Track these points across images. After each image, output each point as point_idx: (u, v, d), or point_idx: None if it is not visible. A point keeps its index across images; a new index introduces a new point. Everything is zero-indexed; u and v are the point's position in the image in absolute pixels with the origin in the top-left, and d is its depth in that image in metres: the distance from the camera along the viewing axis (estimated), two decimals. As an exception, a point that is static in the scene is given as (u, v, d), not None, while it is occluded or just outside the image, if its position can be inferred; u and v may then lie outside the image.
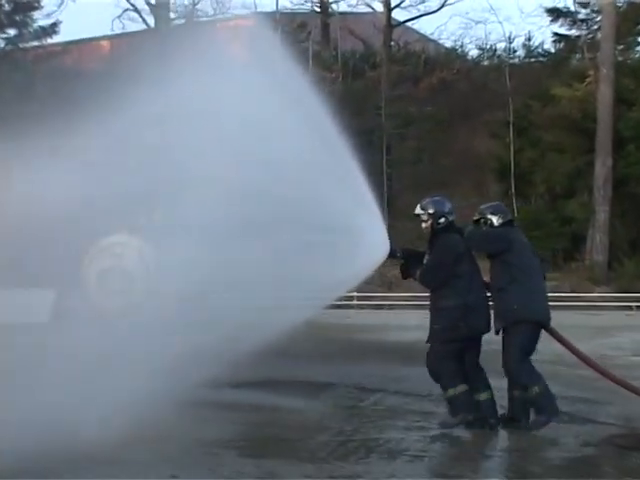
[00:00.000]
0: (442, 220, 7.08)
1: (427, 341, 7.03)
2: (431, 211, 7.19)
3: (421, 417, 7.72)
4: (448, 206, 7.20)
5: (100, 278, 13.23)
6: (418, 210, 7.24)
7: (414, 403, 8.36)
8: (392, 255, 7.16)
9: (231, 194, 6.13)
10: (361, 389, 9.07)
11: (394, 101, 31.60)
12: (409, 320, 17.18)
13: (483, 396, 7.01)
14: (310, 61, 32.01)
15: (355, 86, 32.85)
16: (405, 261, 7.24)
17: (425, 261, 7.05)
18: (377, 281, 28.77)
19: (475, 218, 7.36)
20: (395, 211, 31.53)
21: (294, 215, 6.51)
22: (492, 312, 7.04)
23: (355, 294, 21.34)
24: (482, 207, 7.52)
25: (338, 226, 6.90)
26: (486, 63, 38.01)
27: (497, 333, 7.11)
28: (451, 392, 6.93)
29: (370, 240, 6.96)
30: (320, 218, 6.77)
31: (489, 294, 7.21)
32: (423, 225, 7.21)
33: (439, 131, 32.48)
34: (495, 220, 7.28)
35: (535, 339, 7.11)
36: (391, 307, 22.26)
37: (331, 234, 6.89)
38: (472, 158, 32.85)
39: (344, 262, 6.93)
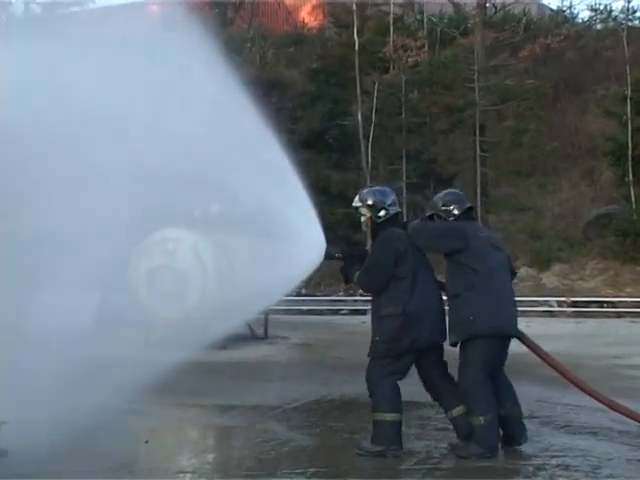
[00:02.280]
0: (382, 213, 6.83)
1: (368, 354, 6.89)
2: (370, 202, 7.07)
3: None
4: (391, 197, 7.02)
5: (149, 279, 13.44)
6: (356, 202, 7.04)
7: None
8: (329, 256, 7.07)
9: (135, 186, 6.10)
10: (413, 403, 8.97)
11: (489, 73, 31.18)
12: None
13: (456, 411, 6.84)
14: (391, 27, 31.91)
15: (443, 56, 32.57)
16: (345, 262, 7.09)
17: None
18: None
19: (427, 214, 7.07)
20: (490, 202, 31.22)
21: (218, 213, 6.48)
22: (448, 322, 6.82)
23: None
24: (434, 198, 7.28)
25: (266, 225, 6.85)
26: (599, 27, 37.15)
27: (453, 346, 6.90)
28: (378, 416, 6.78)
29: (303, 239, 6.82)
30: (246, 216, 6.71)
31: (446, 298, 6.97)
32: (362, 219, 7.03)
33: (543, 108, 31.91)
34: (451, 211, 7.07)
35: (497, 355, 6.88)
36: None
37: (259, 234, 6.86)
38: (582, 140, 32.17)
39: (273, 265, 6.84)
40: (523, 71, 33.03)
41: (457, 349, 6.93)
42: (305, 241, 6.90)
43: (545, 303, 22.65)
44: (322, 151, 33.63)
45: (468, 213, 7.09)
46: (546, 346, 7.33)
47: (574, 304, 22.65)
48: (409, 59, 31.56)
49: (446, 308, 6.91)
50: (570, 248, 27.90)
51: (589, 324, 19.30)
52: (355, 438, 7.51)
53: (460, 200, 7.20)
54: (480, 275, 6.68)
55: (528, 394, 9.31)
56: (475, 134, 30.75)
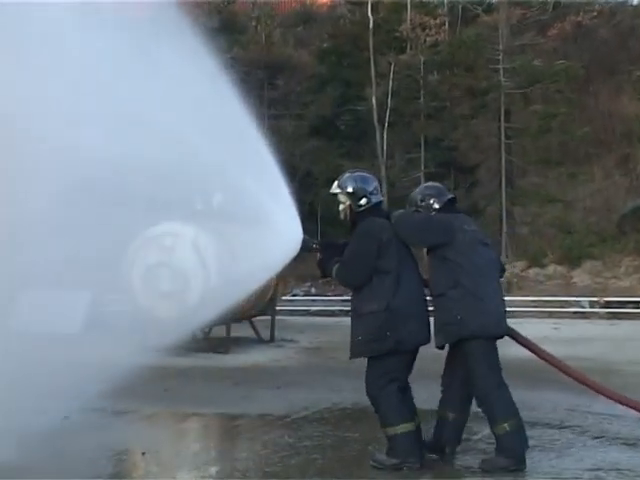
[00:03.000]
0: (363, 201, 6.81)
1: (350, 357, 6.86)
2: (350, 190, 7.02)
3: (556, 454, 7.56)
4: (373, 184, 6.97)
5: (146, 277, 13.45)
6: (334, 188, 6.99)
7: (542, 435, 8.17)
8: (306, 247, 7.01)
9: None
10: (475, 416, 8.98)
11: (515, 53, 31.09)
12: (533, 331, 16.95)
13: (405, 427, 6.83)
14: (408, 4, 31.84)
15: (465, 35, 32.48)
16: (323, 254, 7.03)
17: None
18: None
19: (411, 211, 7.04)
20: (516, 193, 31.14)
21: (185, 198, 6.49)
22: (434, 323, 6.77)
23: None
24: (412, 194, 7.27)
25: (239, 212, 6.84)
26: (635, 2, 37.00)
27: (440, 348, 6.87)
28: (390, 430, 6.75)
29: (278, 229, 6.78)
30: (218, 203, 6.70)
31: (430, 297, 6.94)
32: (340, 207, 7.00)
33: (573, 91, 31.79)
34: (431, 205, 7.04)
35: (494, 355, 6.86)
36: (511, 314, 21.91)
37: (230, 221, 6.85)
38: (616, 124, 32.04)
39: (246, 255, 6.85)
40: (552, 51, 32.92)
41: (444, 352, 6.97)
42: (279, 231, 6.87)
43: (576, 303, 22.57)
44: (333, 138, 33.61)
45: (451, 206, 7.09)
46: (577, 350, 7.33)
47: (607, 304, 22.54)
48: (428, 38, 31.51)
49: (430, 308, 6.90)
50: (603, 243, 27.80)
51: (623, 326, 19.23)
52: (369, 449, 7.50)
53: (440, 193, 7.22)
54: (467, 272, 6.67)
55: (557, 401, 9.30)
56: (500, 119, 30.66)
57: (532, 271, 27.60)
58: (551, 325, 18.37)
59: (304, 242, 6.98)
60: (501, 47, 30.24)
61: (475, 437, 8.14)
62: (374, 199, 6.94)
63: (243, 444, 8.37)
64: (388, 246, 6.66)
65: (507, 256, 28.47)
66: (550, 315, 20.68)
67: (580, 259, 27.30)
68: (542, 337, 16.20)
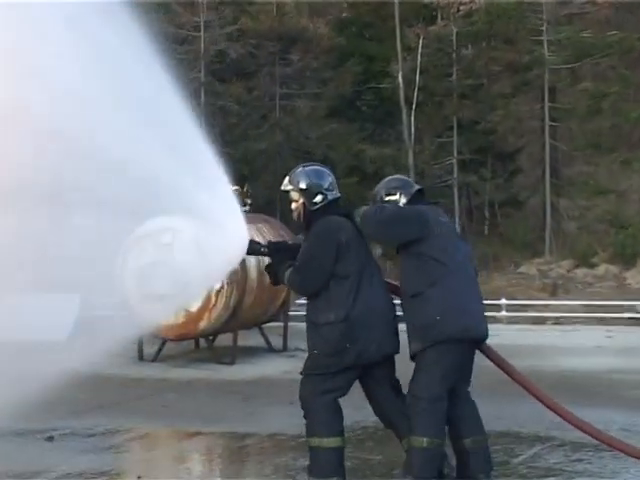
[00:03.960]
0: (318, 198, 6.74)
1: (301, 371, 6.84)
2: (303, 186, 6.95)
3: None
4: (328, 180, 6.96)
5: (140, 278, 13.45)
6: (285, 185, 6.98)
7: (591, 459, 8.13)
8: (253, 251, 7.04)
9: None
10: (515, 436, 8.95)
11: (561, 24, 31.00)
12: (582, 340, 16.85)
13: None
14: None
15: (504, 3, 32.38)
16: (272, 259, 7.03)
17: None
18: (535, 283, 28.48)
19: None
20: (562, 183, 31.08)
21: (116, 193, 6.50)
22: (405, 328, 6.73)
23: (504, 302, 21.07)
24: (375, 189, 7.26)
25: (174, 209, 6.83)
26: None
27: (412, 358, 6.77)
28: (314, 442, 6.70)
29: (220, 230, 6.75)
30: (148, 196, 6.67)
31: (398, 302, 6.89)
32: (293, 206, 6.98)
33: (628, 66, 31.67)
34: (397, 200, 7.03)
35: (465, 364, 6.80)
36: (557, 321, 21.85)
37: (161, 218, 6.84)
38: (677, 105, 31.84)
39: (181, 258, 6.83)
40: (604, 20, 32.79)
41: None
42: (222, 233, 6.85)
43: (630, 308, 22.47)
44: (354, 120, 33.60)
45: (420, 198, 7.10)
46: (632, 362, 7.24)
47: (666, 309, 22.45)
48: (461, 7, 31.46)
49: (399, 314, 6.89)
50: (661, 240, 27.71)
51: (685, 334, 19.11)
52: (394, 473, 7.49)
53: (405, 185, 7.20)
54: (446, 267, 6.66)
55: (610, 420, 9.24)
56: (543, 99, 30.59)
57: (580, 271, 27.56)
58: (603, 333, 18.24)
59: (251, 246, 6.98)
60: (545, 16, 30.17)
61: (515, 460, 8.12)
62: (330, 196, 6.92)
63: (251, 467, 8.35)
64: (347, 248, 6.64)
65: (551, 254, 28.40)
66: (601, 321, 20.54)
67: (635, 257, 27.23)
68: (594, 347, 16.19)
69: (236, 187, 14.54)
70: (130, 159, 6.35)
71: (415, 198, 7.11)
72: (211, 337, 14.20)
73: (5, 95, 6.08)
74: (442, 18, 31.98)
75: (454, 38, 31.23)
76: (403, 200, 7.08)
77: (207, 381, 12.54)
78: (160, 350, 13.78)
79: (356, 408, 9.74)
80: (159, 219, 12.53)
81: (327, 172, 7.07)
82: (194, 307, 12.88)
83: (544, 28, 29.96)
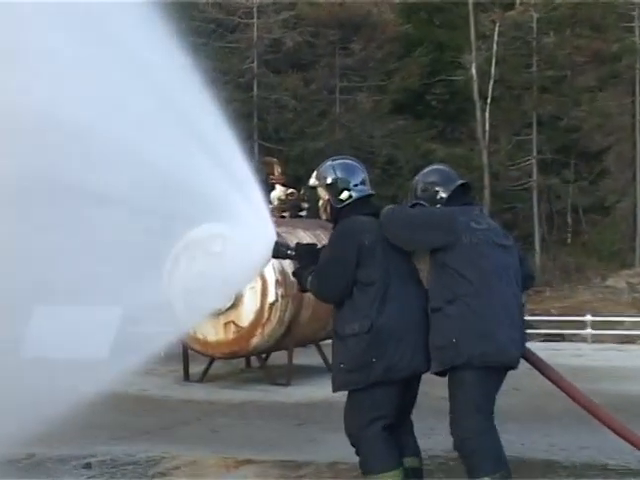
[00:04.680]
0: (344, 195, 6.56)
1: (333, 390, 6.80)
2: (329, 181, 6.86)
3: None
4: (360, 176, 6.92)
5: (188, 290, 13.52)
6: (312, 180, 6.97)
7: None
8: (279, 253, 7.01)
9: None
10: (602, 469, 8.84)
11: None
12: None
13: (407, 463, 6.67)
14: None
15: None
16: (299, 263, 7.00)
17: None
18: (624, 298, 28.18)
19: (410, 204, 6.91)
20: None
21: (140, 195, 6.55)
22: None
23: (588, 318, 20.89)
24: (413, 181, 7.09)
25: (196, 210, 6.83)
26: None
27: (438, 375, 6.76)
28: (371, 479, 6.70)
29: (246, 232, 6.74)
30: (171, 198, 6.71)
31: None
32: (320, 203, 6.99)
33: None
34: (434, 196, 6.82)
35: (492, 391, 6.72)
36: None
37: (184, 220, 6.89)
38: None
39: (206, 262, 6.83)
40: None
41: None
42: (248, 234, 6.87)
43: None
44: (422, 116, 33.55)
45: (462, 195, 7.00)
46: None
47: None
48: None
49: None
50: None
51: None
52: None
53: (447, 179, 7.01)
54: (469, 283, 6.54)
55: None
56: (634, 92, 30.31)
57: (677, 286, 27.24)
58: None
59: (277, 248, 6.98)
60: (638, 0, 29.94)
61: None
62: (358, 193, 6.88)
63: (309, 501, 8.37)
64: (372, 251, 6.59)
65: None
66: None
67: None
68: None
69: (292, 190, 14.62)
70: (164, 165, 6.45)
71: (456, 195, 7.02)
72: (264, 355, 14.24)
73: (42, 101, 6.20)
74: (521, 3, 31.84)
75: (534, 25, 31.10)
76: (442, 195, 6.97)
77: (259, 404, 12.57)
78: (207, 369, 13.84)
79: (423, 434, 9.69)
80: (207, 225, 12.70)
81: (359, 167, 7.02)
82: (245, 322, 12.93)
83: (636, 13, 29.69)
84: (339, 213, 6.80)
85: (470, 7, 31.50)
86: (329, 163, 6.99)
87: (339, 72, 33.38)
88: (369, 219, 6.75)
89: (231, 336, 13.05)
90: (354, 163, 7.05)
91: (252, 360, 14.74)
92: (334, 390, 6.80)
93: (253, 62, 32.36)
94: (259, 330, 13.24)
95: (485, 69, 31.12)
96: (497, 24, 30.95)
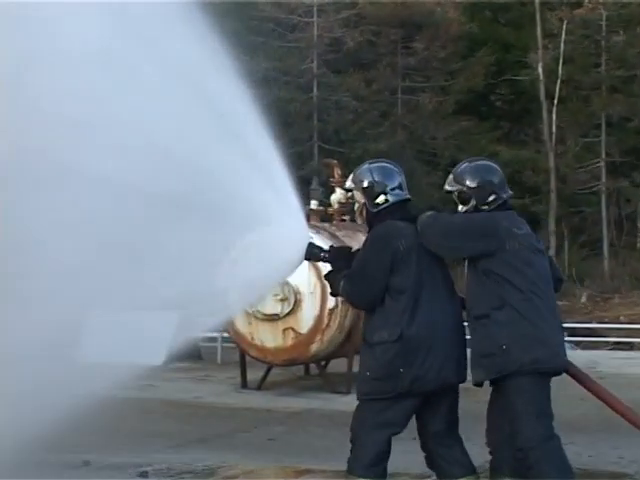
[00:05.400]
0: (380, 199, 6.55)
1: (358, 397, 6.74)
2: (365, 184, 6.79)
3: None
4: (397, 179, 6.87)
5: (247, 294, 13.57)
6: (348, 183, 6.97)
7: None
8: (312, 256, 7.00)
9: None
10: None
11: None
12: None
13: None
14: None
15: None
16: (332, 266, 6.95)
17: None
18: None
19: (448, 188, 6.85)
20: None
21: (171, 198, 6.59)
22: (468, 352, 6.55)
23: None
24: (459, 169, 6.96)
25: (236, 212, 6.78)
26: None
27: (478, 385, 6.64)
28: None
29: (278, 233, 6.71)
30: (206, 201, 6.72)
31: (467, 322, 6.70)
32: (355, 207, 6.97)
33: None
34: (487, 197, 6.77)
35: (547, 396, 6.56)
36: None
37: (215, 223, 6.87)
38: None
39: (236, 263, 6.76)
40: None
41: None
42: (281, 235, 6.88)
43: None
44: (486, 117, 33.39)
45: (507, 200, 6.99)
46: None
47: None
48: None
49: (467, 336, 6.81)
50: None
51: None
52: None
53: (503, 183, 7.01)
54: (516, 289, 6.54)
55: None
56: None
57: None
58: None
59: (309, 250, 6.99)
60: None
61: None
62: (395, 197, 6.87)
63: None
64: (406, 258, 6.54)
65: None
66: None
67: None
68: None
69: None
70: (201, 163, 6.51)
71: (498, 198, 6.99)
72: (323, 362, 14.24)
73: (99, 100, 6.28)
74: (589, 0, 31.57)
75: (603, 23, 30.85)
76: (495, 198, 6.94)
77: (318, 412, 12.57)
78: (265, 377, 13.86)
79: (484, 446, 9.64)
80: (266, 229, 12.76)
81: (396, 170, 6.99)
82: (305, 328, 12.93)
83: None
84: (375, 217, 6.79)
85: (537, 5, 31.31)
86: (366, 166, 6.97)
87: (401, 72, 33.33)
88: (405, 224, 6.73)
89: (290, 342, 13.05)
90: (391, 166, 7.03)
91: (311, 367, 14.75)
92: (359, 398, 6.80)
93: (313, 62, 32.41)
94: (318, 336, 13.23)
95: (552, 68, 30.90)
96: (565, 22, 30.71)
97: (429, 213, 6.94)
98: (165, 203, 6.63)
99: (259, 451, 9.80)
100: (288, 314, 12.93)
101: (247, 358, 13.66)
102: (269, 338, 13.13)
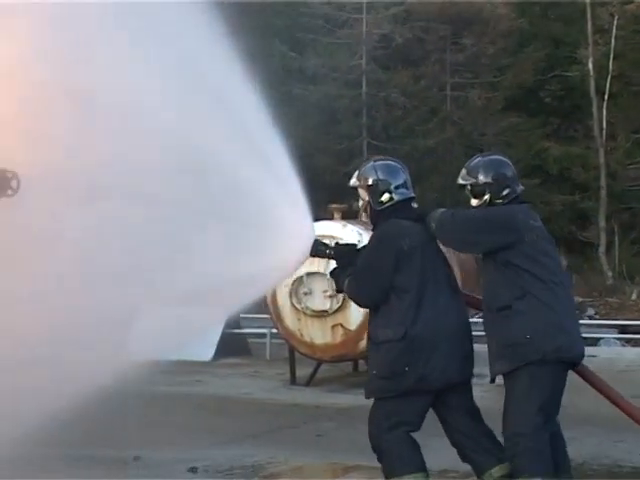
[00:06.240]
0: (385, 197, 6.77)
1: (366, 396, 6.91)
2: (370, 182, 6.74)
3: None
4: (401, 177, 6.91)
5: (296, 292, 13.60)
6: (353, 180, 7.00)
7: None
8: (318, 252, 7.03)
9: None
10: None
11: None
12: None
13: (496, 472, 6.48)
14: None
15: None
16: (337, 263, 7.04)
17: None
18: None
19: (461, 182, 6.90)
20: None
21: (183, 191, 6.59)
22: (488, 348, 6.48)
23: None
24: (472, 163, 6.97)
25: (240, 207, 6.75)
26: None
27: (493, 380, 6.73)
28: None
29: (284, 229, 6.69)
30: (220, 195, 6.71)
31: (478, 318, 6.63)
32: (360, 204, 7.00)
33: None
34: (501, 190, 6.79)
35: (560, 388, 6.65)
36: None
37: (223, 219, 6.83)
38: None
39: (241, 259, 6.74)
40: None
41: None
42: (286, 231, 6.89)
43: None
44: (536, 114, 33.18)
45: (520, 194, 7.01)
46: None
47: None
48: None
49: (478, 333, 6.78)
50: None
51: None
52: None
53: (516, 177, 7.04)
54: (537, 278, 6.55)
55: None
56: None
57: None
58: None
59: (315, 246, 7.02)
60: None
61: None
62: (399, 195, 6.87)
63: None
64: (410, 257, 6.57)
65: None
66: None
67: None
68: None
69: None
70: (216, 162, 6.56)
71: (513, 192, 6.99)
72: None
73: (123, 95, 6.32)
74: (641, -5, 31.33)
75: (655, 18, 30.54)
76: (510, 192, 6.93)
77: (367, 408, 12.40)
78: (314, 373, 13.88)
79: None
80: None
81: (401, 169, 7.00)
82: (354, 325, 12.92)
83: None
84: (379, 215, 6.83)
85: (587, 0, 31.04)
86: (371, 164, 7.00)
87: (450, 68, 33.22)
88: (410, 223, 6.76)
89: (339, 339, 13.06)
90: (396, 165, 7.06)
91: (360, 364, 14.74)
92: (367, 396, 6.85)
93: (362, 58, 32.39)
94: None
95: (602, 64, 30.67)
96: (615, 17, 30.49)
97: (443, 209, 6.97)
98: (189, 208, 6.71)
99: (307, 447, 9.80)
100: (337, 310, 12.94)
101: (296, 354, 13.69)
102: (318, 335, 13.15)
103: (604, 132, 31.03)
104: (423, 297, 6.61)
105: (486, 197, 6.79)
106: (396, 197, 6.80)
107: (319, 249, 6.97)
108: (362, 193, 6.90)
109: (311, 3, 32.21)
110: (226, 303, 7.48)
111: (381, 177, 6.83)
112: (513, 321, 6.57)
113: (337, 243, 7.27)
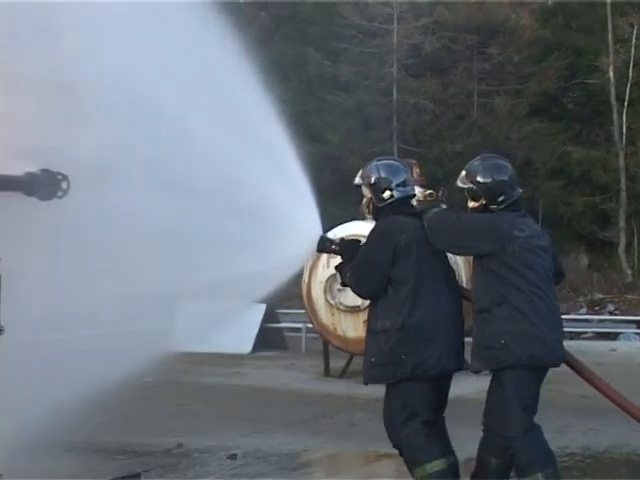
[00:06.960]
0: (386, 195, 6.81)
1: (365, 382, 6.87)
2: (372, 180, 6.76)
3: None
4: (402, 175, 6.93)
5: (330, 288, 13.62)
6: (357, 179, 6.99)
7: None
8: (324, 247, 7.09)
9: None
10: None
11: None
12: None
13: (436, 465, 6.46)
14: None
15: None
16: (343, 258, 7.03)
17: None
18: None
19: (460, 185, 6.89)
20: None
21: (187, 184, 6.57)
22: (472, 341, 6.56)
23: None
24: (471, 166, 6.96)
25: (249, 203, 6.73)
26: None
27: (475, 373, 6.74)
28: (419, 472, 6.59)
29: (290, 224, 6.68)
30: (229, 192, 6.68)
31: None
32: (363, 201, 7.01)
33: None
34: (503, 195, 6.73)
35: (538, 387, 6.67)
36: None
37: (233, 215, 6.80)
38: None
39: (248, 253, 6.70)
40: None
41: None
42: (292, 226, 6.90)
43: None
44: (559, 119, 33.01)
45: (515, 201, 6.93)
46: None
47: None
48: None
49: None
50: None
51: None
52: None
53: (514, 183, 6.93)
54: (516, 288, 6.51)
55: None
56: None
57: None
58: None
59: (321, 241, 7.03)
60: None
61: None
62: (400, 193, 6.88)
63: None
64: (407, 251, 6.67)
65: None
66: None
67: None
68: None
69: (430, 191, 14.58)
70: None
71: (507, 198, 6.94)
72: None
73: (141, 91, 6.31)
74: (660, 6, 31.09)
75: (675, 27, 30.31)
76: (505, 198, 6.88)
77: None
78: (348, 366, 13.86)
79: (559, 431, 9.56)
80: (347, 225, 12.76)
81: (402, 168, 7.03)
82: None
83: None
84: (380, 211, 6.85)
85: (608, 10, 30.87)
86: (374, 163, 7.04)
87: (477, 76, 33.10)
88: (408, 219, 6.79)
89: (370, 333, 13.05)
90: (398, 164, 7.10)
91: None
92: (365, 382, 6.91)
93: (393, 67, 32.35)
94: (398, 327, 13.21)
95: (623, 72, 30.48)
96: (635, 27, 30.27)
97: (436, 210, 6.97)
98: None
99: (341, 436, 9.79)
100: (368, 306, 12.97)
101: (330, 348, 13.68)
102: (351, 329, 13.13)
103: (624, 137, 30.83)
104: (420, 289, 6.63)
105: (482, 201, 6.80)
106: (396, 194, 6.82)
107: (325, 245, 7.05)
108: (365, 190, 6.95)
109: (344, 14, 32.22)
110: (241, 297, 7.51)
111: (383, 175, 6.86)
112: (491, 325, 6.56)
113: (342, 239, 7.30)
